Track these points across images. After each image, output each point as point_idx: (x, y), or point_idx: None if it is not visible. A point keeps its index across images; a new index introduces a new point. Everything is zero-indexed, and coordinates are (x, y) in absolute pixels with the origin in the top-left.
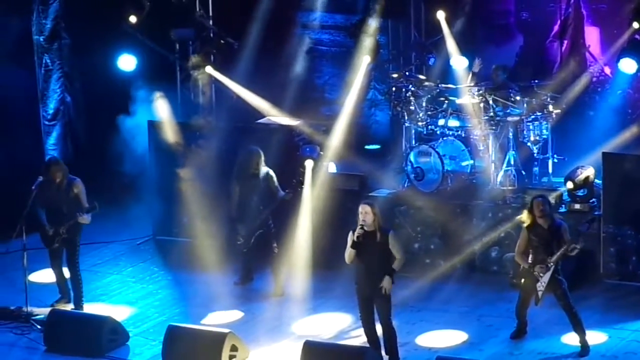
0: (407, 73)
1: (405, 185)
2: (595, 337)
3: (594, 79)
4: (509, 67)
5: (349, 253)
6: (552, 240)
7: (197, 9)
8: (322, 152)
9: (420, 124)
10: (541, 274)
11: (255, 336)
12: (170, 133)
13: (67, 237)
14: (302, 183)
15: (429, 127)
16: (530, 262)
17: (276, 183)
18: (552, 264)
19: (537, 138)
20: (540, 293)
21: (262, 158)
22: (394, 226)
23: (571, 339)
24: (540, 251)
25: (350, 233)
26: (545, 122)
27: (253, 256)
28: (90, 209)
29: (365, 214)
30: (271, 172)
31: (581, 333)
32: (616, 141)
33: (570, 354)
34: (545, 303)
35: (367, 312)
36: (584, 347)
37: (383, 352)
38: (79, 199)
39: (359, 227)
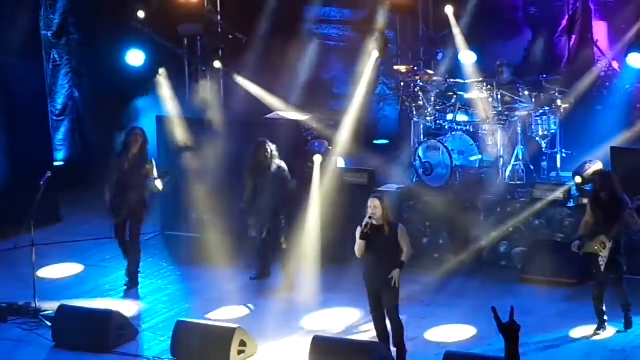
0: (415, 68)
1: (414, 180)
2: (604, 332)
3: (602, 74)
4: (512, 64)
5: (358, 246)
6: (612, 214)
7: (205, 4)
8: (330, 147)
9: (428, 118)
10: (600, 251)
11: (264, 331)
12: (178, 128)
13: (134, 207)
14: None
15: (438, 122)
16: (586, 235)
17: (288, 176)
18: (609, 240)
19: (546, 133)
20: (602, 267)
21: (273, 150)
22: (403, 221)
23: (579, 332)
24: (599, 223)
25: (359, 227)
26: (553, 117)
27: (269, 250)
28: (163, 174)
29: (375, 207)
30: (283, 165)
31: (626, 311)
32: (624, 136)
33: (578, 348)
34: (555, 296)
35: (377, 306)
36: (628, 322)
37: (391, 346)
38: (151, 172)
39: (367, 218)
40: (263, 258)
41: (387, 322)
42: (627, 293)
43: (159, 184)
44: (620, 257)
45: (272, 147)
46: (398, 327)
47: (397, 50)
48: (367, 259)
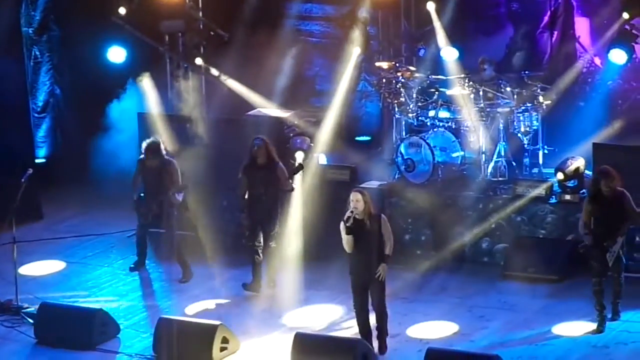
0: (397, 64)
1: (396, 177)
2: (587, 327)
3: (584, 70)
4: (494, 60)
5: (346, 241)
6: (614, 210)
7: (187, 1)
8: (312, 144)
9: (410, 115)
10: (610, 246)
11: (246, 328)
12: (159, 125)
13: (160, 213)
14: (296, 171)
15: (420, 118)
16: (591, 234)
17: (285, 175)
18: (620, 237)
19: (528, 129)
20: (610, 262)
21: (270, 148)
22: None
23: (562, 328)
24: (602, 221)
25: (342, 223)
26: (535, 113)
27: (257, 250)
28: (181, 188)
29: (356, 201)
30: (281, 166)
31: (616, 302)
32: (606, 132)
33: (561, 344)
34: (537, 293)
35: (362, 301)
36: (616, 314)
37: (375, 343)
38: (172, 179)
39: (349, 212)
40: (256, 264)
41: (370, 316)
42: (623, 286)
43: (177, 197)
44: (621, 252)
45: (270, 146)
46: (384, 316)
47: (379, 46)
48: (353, 254)
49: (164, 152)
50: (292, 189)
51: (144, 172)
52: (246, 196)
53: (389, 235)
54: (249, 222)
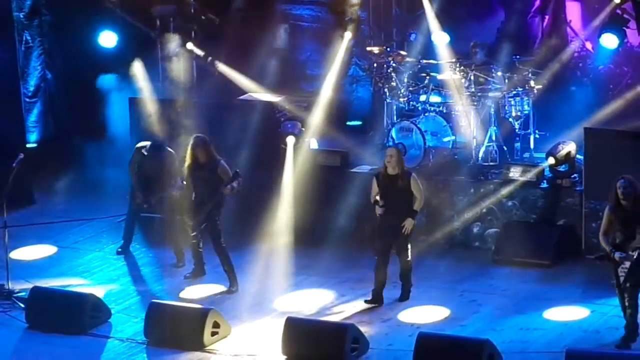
0: (388, 49)
1: None
2: (578, 313)
3: (576, 54)
4: (487, 45)
5: (373, 194)
6: (635, 223)
7: None
8: (303, 129)
9: (401, 100)
10: (623, 261)
11: (238, 313)
12: (151, 109)
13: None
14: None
15: (411, 103)
16: (611, 245)
17: (228, 174)
18: (635, 252)
19: (519, 114)
20: (622, 278)
21: (208, 146)
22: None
23: (553, 313)
24: (622, 234)
25: (374, 178)
26: (526, 98)
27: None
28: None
29: (390, 156)
30: (222, 163)
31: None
32: (598, 116)
33: (552, 329)
34: (528, 278)
35: (384, 255)
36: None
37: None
38: (169, 170)
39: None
40: (198, 257)
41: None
42: None
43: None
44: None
45: (209, 144)
46: (407, 266)
47: (370, 31)
48: (382, 213)
49: (164, 148)
50: (229, 193)
51: (139, 166)
52: (193, 197)
53: (420, 192)
54: (194, 223)
